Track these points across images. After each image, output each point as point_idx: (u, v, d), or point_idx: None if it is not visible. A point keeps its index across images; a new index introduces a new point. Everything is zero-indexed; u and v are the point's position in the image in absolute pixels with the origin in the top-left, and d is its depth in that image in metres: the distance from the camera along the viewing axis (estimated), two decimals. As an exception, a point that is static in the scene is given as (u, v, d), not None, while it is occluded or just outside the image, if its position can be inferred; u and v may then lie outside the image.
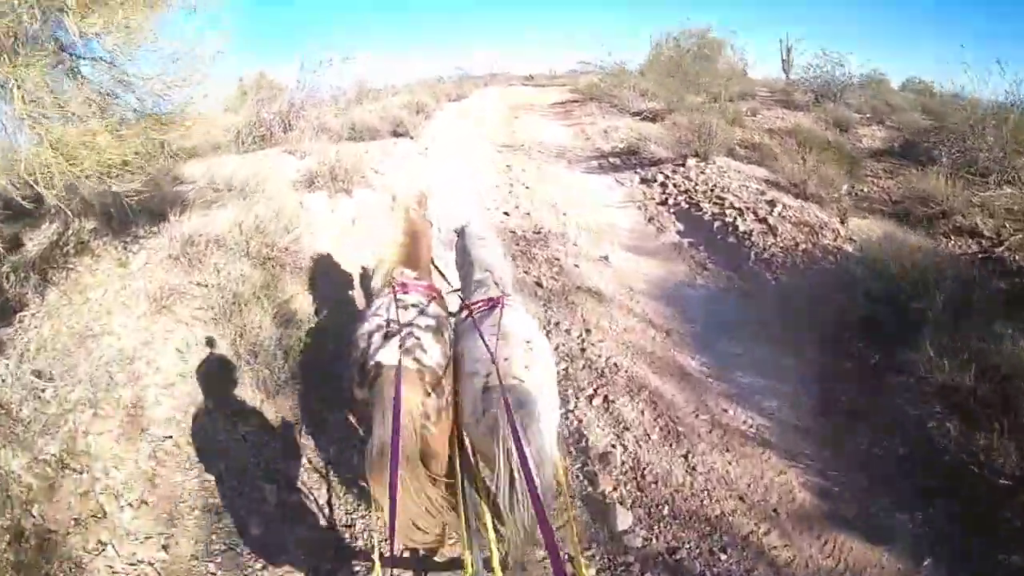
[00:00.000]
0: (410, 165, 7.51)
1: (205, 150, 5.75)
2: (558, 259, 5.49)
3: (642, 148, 8.41)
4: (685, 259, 5.56)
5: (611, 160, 8.83)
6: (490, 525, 2.09)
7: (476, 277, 2.61)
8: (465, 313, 2.39)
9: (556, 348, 4.04)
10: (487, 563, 2.03)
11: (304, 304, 4.04)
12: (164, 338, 3.32)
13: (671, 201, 6.73)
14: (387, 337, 2.11)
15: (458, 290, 2.77)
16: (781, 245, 5.13)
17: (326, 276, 4.41)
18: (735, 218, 5.78)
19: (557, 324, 4.40)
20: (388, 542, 1.86)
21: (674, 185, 7.07)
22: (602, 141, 9.91)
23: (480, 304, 2.37)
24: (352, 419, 3.30)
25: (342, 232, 5.13)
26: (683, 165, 7.51)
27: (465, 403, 2.09)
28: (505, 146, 10.04)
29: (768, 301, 4.53)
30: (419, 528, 2.06)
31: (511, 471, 1.84)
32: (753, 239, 5.34)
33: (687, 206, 6.47)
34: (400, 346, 2.07)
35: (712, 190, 6.57)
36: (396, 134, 8.45)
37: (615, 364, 3.92)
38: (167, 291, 3.54)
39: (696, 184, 6.86)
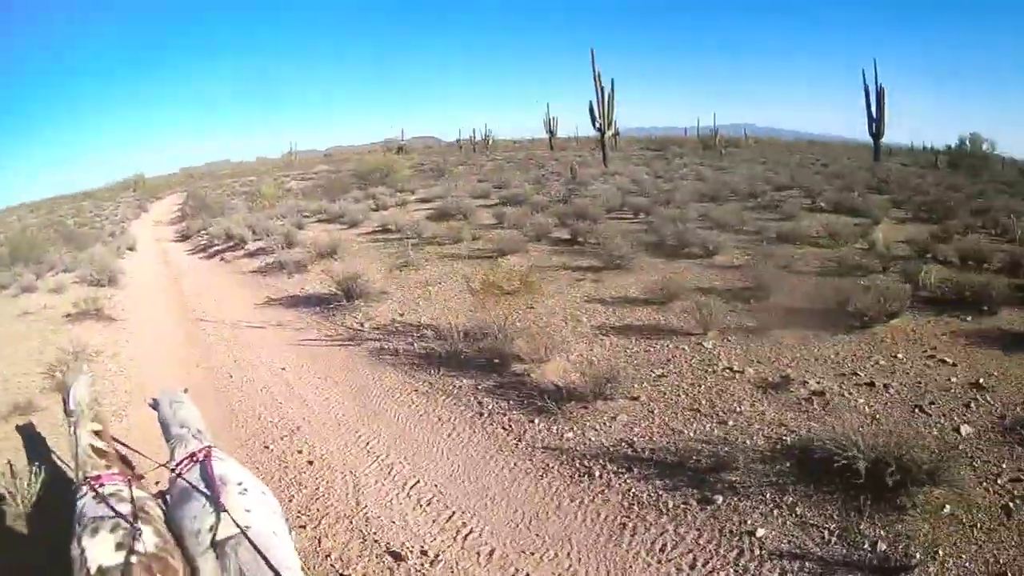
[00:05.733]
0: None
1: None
2: None
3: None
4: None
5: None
6: None
7: (174, 433, 2.63)
8: (174, 475, 2.37)
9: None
10: None
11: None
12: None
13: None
14: (95, 534, 1.97)
15: (166, 464, 2.61)
16: None
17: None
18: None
19: None
20: None
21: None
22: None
23: (185, 462, 2.39)
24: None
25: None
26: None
27: (200, 564, 1.98)
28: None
29: None
30: None
31: None
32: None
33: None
34: (114, 541, 1.94)
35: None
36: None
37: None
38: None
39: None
